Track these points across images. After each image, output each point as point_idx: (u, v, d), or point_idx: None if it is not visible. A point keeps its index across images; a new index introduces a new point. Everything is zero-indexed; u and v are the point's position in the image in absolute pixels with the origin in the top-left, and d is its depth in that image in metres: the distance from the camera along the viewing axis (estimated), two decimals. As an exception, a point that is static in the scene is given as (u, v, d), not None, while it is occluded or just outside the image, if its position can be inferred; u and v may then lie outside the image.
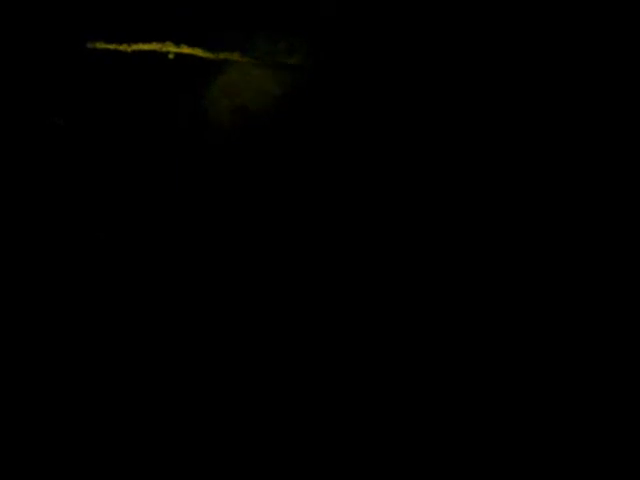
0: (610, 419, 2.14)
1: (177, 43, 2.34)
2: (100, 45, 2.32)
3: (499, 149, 2.32)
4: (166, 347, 2.22)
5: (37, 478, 2.10)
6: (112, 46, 2.33)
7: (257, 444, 2.15)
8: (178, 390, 2.18)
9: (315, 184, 2.32)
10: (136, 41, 2.33)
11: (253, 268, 2.28)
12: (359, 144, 2.33)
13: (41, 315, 2.22)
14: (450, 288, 2.25)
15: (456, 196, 2.30)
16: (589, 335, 2.20)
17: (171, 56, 2.32)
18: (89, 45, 2.32)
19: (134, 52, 2.33)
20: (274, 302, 2.25)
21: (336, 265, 2.28)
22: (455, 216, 2.29)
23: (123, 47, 2.33)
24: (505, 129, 2.32)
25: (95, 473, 2.11)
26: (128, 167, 2.33)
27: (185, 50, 2.34)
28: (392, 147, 2.33)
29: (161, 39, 2.35)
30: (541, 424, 2.15)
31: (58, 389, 2.17)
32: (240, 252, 2.29)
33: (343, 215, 2.30)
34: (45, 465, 2.11)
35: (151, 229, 2.30)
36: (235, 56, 2.35)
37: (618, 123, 2.30)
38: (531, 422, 2.15)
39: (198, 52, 2.35)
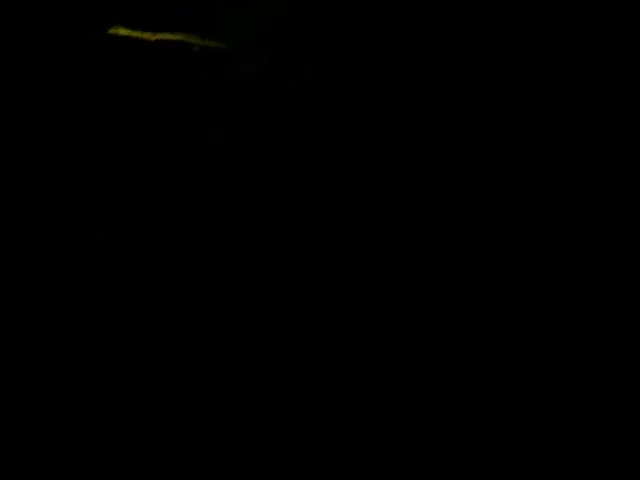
0: (610, 419, 2.14)
1: (202, 36, 2.33)
2: (123, 32, 2.30)
3: (500, 150, 2.32)
4: (167, 347, 2.22)
5: (37, 478, 2.10)
6: (136, 33, 2.32)
7: (257, 444, 2.15)
8: (178, 390, 2.18)
9: (320, 183, 2.32)
10: (161, 30, 2.31)
11: (254, 268, 2.28)
12: (366, 139, 2.33)
13: (41, 315, 2.22)
14: (450, 288, 2.26)
15: (457, 196, 2.30)
16: (589, 335, 2.20)
17: (196, 49, 2.30)
18: (111, 31, 2.31)
19: (158, 41, 2.32)
20: (276, 302, 2.25)
21: (336, 264, 2.28)
22: (457, 216, 2.30)
23: (147, 35, 2.31)
24: (506, 131, 2.32)
25: (95, 473, 2.11)
26: (128, 167, 2.33)
27: (210, 43, 2.33)
28: (392, 145, 2.33)
29: (182, 30, 2.33)
30: (541, 424, 2.15)
31: (58, 389, 2.17)
32: (241, 252, 2.29)
33: (343, 214, 2.30)
34: (45, 465, 2.11)
35: (151, 229, 2.30)
36: (263, 53, 2.34)
37: (618, 123, 2.31)
38: (531, 422, 2.15)
39: (223, 45, 2.34)
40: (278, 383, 2.20)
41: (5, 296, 2.23)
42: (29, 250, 2.27)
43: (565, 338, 2.21)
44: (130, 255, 2.27)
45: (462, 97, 2.33)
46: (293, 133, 2.34)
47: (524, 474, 2.12)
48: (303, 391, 2.19)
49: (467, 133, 2.33)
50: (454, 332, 2.23)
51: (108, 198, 2.31)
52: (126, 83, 2.36)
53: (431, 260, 2.27)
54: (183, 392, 2.19)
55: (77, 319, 2.22)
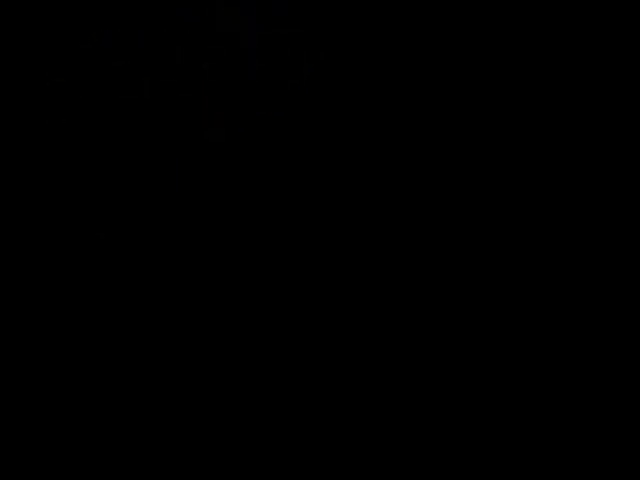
0: (610, 419, 2.14)
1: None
2: None
3: (499, 150, 2.32)
4: (166, 347, 2.22)
5: (37, 478, 2.10)
6: None
7: (257, 444, 2.15)
8: (178, 391, 2.18)
9: (320, 183, 2.32)
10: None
11: (254, 267, 2.28)
12: (366, 139, 2.33)
13: (41, 315, 2.22)
14: (450, 289, 2.26)
15: (457, 196, 2.30)
16: (589, 335, 2.20)
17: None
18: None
19: None
20: (276, 301, 2.25)
21: (336, 263, 2.28)
22: (456, 217, 2.29)
23: None
24: (506, 132, 2.32)
25: (95, 473, 2.11)
26: (129, 167, 2.33)
27: None
28: (391, 145, 2.33)
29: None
30: (541, 424, 2.15)
31: (58, 389, 2.17)
32: (241, 251, 2.29)
33: (342, 213, 2.30)
34: (45, 465, 2.11)
35: (151, 229, 2.29)
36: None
37: (618, 123, 2.30)
38: (531, 422, 2.15)
39: None
40: (278, 383, 2.20)
41: (5, 296, 2.23)
42: (30, 250, 2.27)
43: (565, 338, 2.21)
44: (130, 255, 2.27)
45: (462, 97, 2.33)
46: (293, 133, 2.34)
47: (524, 474, 2.12)
48: (302, 390, 2.19)
49: (467, 133, 2.33)
50: (454, 332, 2.23)
51: (108, 198, 2.31)
52: (126, 82, 2.36)
53: (430, 259, 2.28)
54: (182, 391, 2.19)
55: (77, 318, 2.22)
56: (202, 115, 2.35)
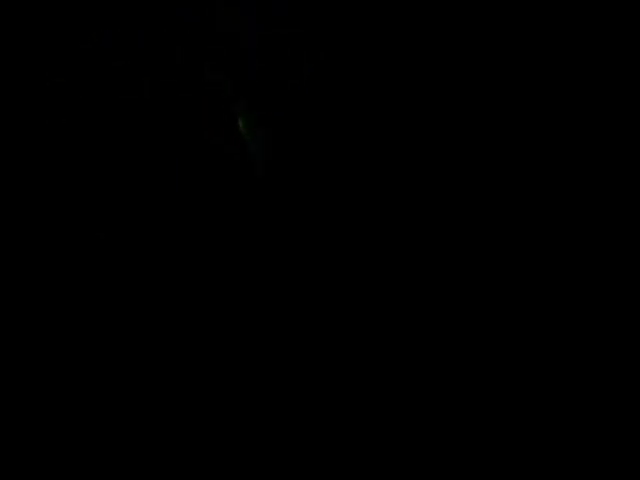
0: (610, 419, 2.14)
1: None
2: None
3: (500, 150, 2.32)
4: (167, 348, 2.22)
5: (37, 478, 2.10)
6: None
7: (257, 445, 2.15)
8: (178, 391, 2.18)
9: (320, 183, 2.32)
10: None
11: (254, 269, 2.28)
12: (366, 139, 2.33)
13: (41, 315, 2.22)
14: (450, 289, 2.26)
15: (457, 196, 2.30)
16: (589, 335, 2.20)
17: None
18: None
19: None
20: (277, 305, 2.25)
21: (335, 264, 2.28)
22: (456, 216, 2.29)
23: None
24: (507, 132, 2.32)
25: (95, 473, 2.11)
26: (128, 167, 2.33)
27: None
28: (392, 145, 2.33)
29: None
30: (541, 424, 2.15)
31: (58, 389, 2.17)
32: (241, 253, 2.29)
33: (343, 214, 2.30)
34: (45, 465, 2.11)
35: (151, 229, 2.29)
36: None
37: (618, 123, 2.30)
38: (531, 422, 2.15)
39: None
40: (278, 383, 2.20)
41: (5, 296, 2.23)
42: (29, 250, 2.27)
43: (565, 338, 2.21)
44: (130, 255, 2.27)
45: (462, 97, 2.33)
46: (293, 133, 2.34)
47: (524, 474, 2.12)
48: (303, 392, 2.19)
49: (467, 134, 2.33)
50: (454, 332, 2.23)
51: (108, 198, 2.31)
52: (126, 82, 2.36)
53: (431, 260, 2.28)
54: (183, 393, 2.19)
55: (77, 319, 2.22)
56: (202, 115, 2.35)
